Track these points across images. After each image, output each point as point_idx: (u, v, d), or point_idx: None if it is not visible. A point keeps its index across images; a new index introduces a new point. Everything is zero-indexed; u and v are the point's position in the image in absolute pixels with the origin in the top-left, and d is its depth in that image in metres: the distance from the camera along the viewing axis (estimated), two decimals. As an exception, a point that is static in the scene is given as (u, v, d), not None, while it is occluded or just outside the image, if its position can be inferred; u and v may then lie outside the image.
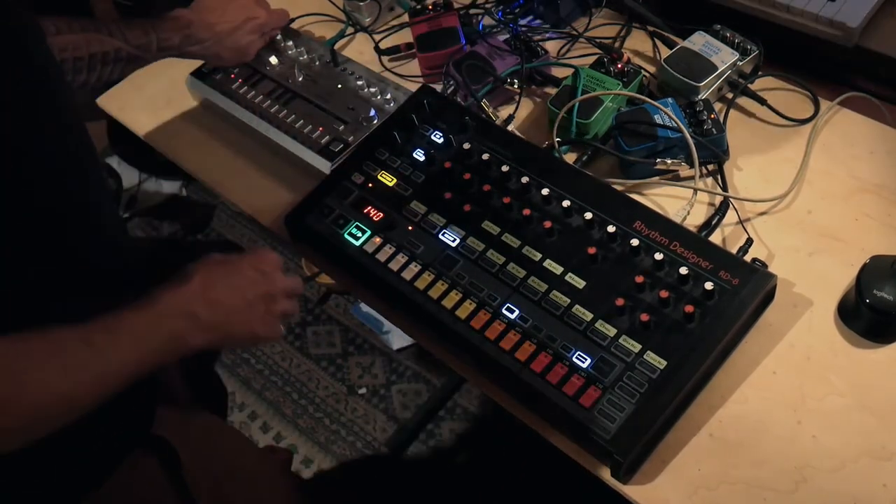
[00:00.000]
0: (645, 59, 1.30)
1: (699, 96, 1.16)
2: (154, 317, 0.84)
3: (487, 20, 1.37)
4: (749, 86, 1.21)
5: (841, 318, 0.99)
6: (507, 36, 1.31)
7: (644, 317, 0.93)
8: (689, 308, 0.93)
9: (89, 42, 1.09)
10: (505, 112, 1.24)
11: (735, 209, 1.09)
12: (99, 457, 0.93)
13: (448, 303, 1.00)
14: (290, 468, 1.83)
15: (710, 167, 1.14)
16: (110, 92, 1.43)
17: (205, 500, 1.02)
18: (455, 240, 1.05)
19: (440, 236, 1.05)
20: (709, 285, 0.93)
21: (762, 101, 1.19)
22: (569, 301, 0.97)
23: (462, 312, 0.98)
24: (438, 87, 1.26)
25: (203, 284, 0.89)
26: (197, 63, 1.34)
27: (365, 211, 1.10)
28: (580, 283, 0.98)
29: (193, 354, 0.87)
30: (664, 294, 0.94)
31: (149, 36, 1.15)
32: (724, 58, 1.18)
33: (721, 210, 1.08)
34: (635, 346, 0.92)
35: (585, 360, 0.92)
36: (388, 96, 1.24)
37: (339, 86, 1.28)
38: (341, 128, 1.22)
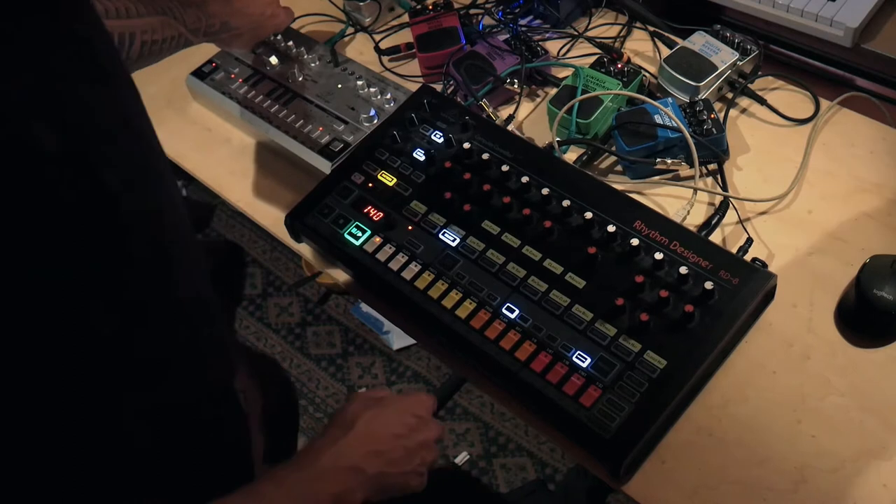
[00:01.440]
0: (645, 59, 1.30)
1: (699, 96, 1.16)
2: (317, 475, 0.77)
3: (487, 20, 1.37)
4: (749, 86, 1.21)
5: (841, 318, 0.99)
6: (507, 36, 1.31)
7: (644, 316, 0.93)
8: (689, 308, 0.93)
9: (163, 26, 1.08)
10: (505, 112, 1.24)
11: (735, 209, 1.09)
12: None
13: (448, 303, 1.00)
14: None
15: (710, 167, 1.14)
16: (110, 92, 1.43)
17: None
18: (455, 239, 1.05)
19: (440, 236, 1.05)
20: (709, 285, 0.94)
21: (762, 101, 1.19)
22: (569, 301, 0.97)
23: (462, 312, 0.98)
24: (438, 87, 1.26)
25: (368, 433, 0.83)
26: (196, 62, 1.34)
27: (365, 211, 1.10)
28: (580, 283, 0.98)
29: None
30: (664, 294, 0.94)
31: (201, 21, 1.15)
32: (724, 58, 1.18)
33: (721, 210, 1.08)
34: (635, 346, 0.92)
35: (585, 359, 0.92)
36: (388, 96, 1.24)
37: (339, 86, 1.28)
38: (341, 128, 1.22)
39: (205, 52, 1.34)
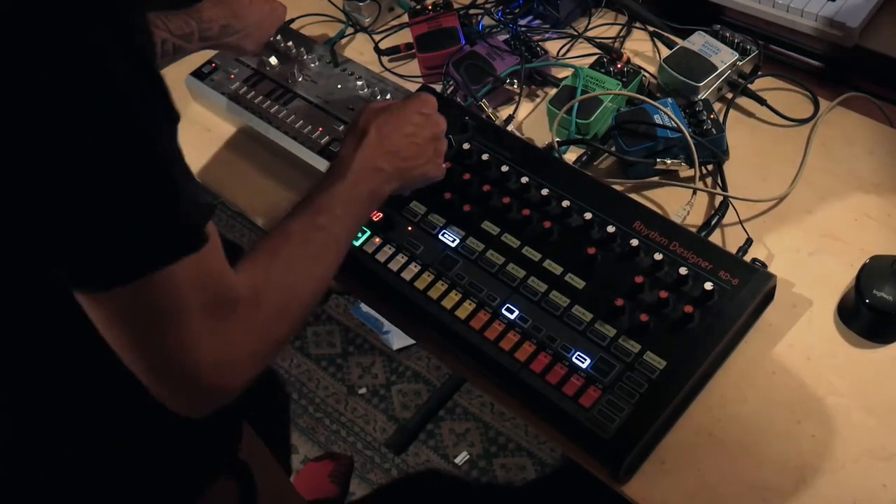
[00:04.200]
0: (645, 59, 1.30)
1: (699, 96, 1.16)
2: (352, 182, 0.91)
3: (487, 20, 1.37)
4: (749, 86, 1.21)
5: (841, 318, 0.99)
6: (507, 36, 1.31)
7: (644, 317, 0.93)
8: (688, 308, 0.93)
9: None
10: (505, 112, 1.24)
11: (735, 209, 1.08)
12: (189, 481, 0.92)
13: (448, 303, 1.00)
14: (350, 475, 1.83)
15: (710, 167, 1.14)
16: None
17: None
18: (455, 240, 1.05)
19: (440, 236, 1.05)
20: (708, 285, 0.93)
21: (762, 101, 1.19)
22: (568, 301, 0.97)
23: (462, 312, 0.98)
24: (438, 87, 1.26)
25: (380, 139, 0.94)
26: (196, 63, 1.34)
27: (365, 211, 1.10)
28: (580, 284, 0.98)
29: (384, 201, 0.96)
30: (664, 294, 0.94)
31: (190, 26, 1.15)
32: (723, 58, 1.18)
33: (721, 210, 1.08)
34: (635, 347, 0.92)
35: (585, 360, 0.92)
36: (388, 96, 1.24)
37: (339, 86, 1.28)
38: (341, 128, 1.22)
39: (204, 52, 1.34)
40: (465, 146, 1.11)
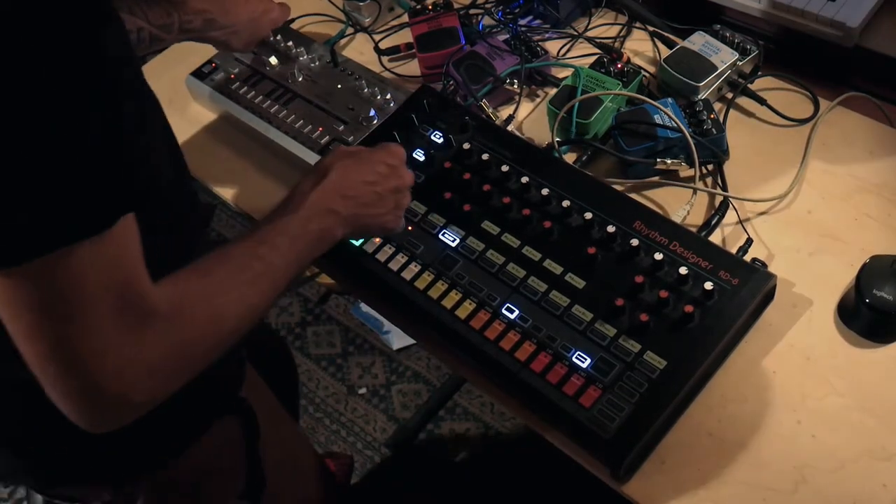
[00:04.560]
0: (645, 59, 1.30)
1: (699, 96, 1.16)
2: (304, 218, 0.90)
3: (487, 20, 1.37)
4: (749, 86, 1.21)
5: (841, 318, 0.99)
6: (507, 36, 1.31)
7: (644, 317, 0.93)
8: (688, 308, 0.93)
9: None
10: (505, 112, 1.24)
11: (735, 209, 1.09)
12: (193, 419, 0.96)
13: (448, 303, 1.00)
14: (350, 474, 1.84)
15: (710, 167, 1.14)
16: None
17: (269, 477, 1.05)
18: (455, 240, 1.05)
19: (440, 236, 1.05)
20: (708, 285, 0.94)
21: (762, 101, 1.19)
22: (568, 301, 0.97)
23: (462, 312, 0.98)
24: (438, 88, 1.26)
25: (340, 181, 0.94)
26: (196, 63, 1.34)
27: (365, 211, 1.10)
28: (580, 283, 0.98)
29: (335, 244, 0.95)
30: (664, 294, 0.94)
31: (171, 17, 1.14)
32: (723, 58, 1.18)
33: (721, 210, 1.08)
34: (635, 346, 0.92)
35: (585, 359, 0.92)
36: (388, 96, 1.24)
37: (339, 86, 1.28)
38: (341, 128, 1.22)
39: (204, 52, 1.34)
40: (465, 146, 1.11)
